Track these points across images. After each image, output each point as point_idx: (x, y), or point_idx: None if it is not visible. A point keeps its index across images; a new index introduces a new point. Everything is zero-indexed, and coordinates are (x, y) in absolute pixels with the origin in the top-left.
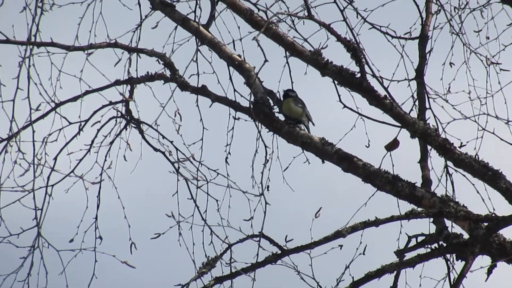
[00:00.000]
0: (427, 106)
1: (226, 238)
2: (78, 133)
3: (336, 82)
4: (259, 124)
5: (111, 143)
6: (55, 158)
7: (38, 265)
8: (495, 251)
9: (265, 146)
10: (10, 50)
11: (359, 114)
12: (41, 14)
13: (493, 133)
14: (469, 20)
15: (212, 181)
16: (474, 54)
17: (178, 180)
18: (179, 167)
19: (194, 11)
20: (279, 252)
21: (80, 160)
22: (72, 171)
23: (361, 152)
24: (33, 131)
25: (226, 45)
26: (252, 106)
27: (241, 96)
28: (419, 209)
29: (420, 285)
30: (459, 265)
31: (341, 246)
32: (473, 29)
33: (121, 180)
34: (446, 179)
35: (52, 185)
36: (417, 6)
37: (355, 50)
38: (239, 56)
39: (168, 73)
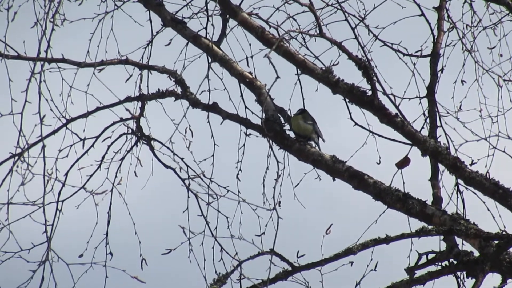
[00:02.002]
0: (438, 124)
1: (236, 255)
2: (89, 149)
3: (347, 100)
4: (270, 141)
5: (122, 159)
6: (66, 174)
7: (48, 280)
8: (506, 269)
9: (277, 162)
10: (22, 66)
11: (370, 131)
12: (52, 30)
13: (504, 151)
14: (481, 37)
15: (223, 198)
16: (485, 72)
17: (188, 196)
18: (189, 184)
19: (205, 28)
20: (290, 268)
21: (91, 176)
22: (83, 187)
23: (372, 170)
24: (44, 146)
25: (238, 62)
26: (263, 124)
27: (252, 113)
28: (430, 227)
29: None
30: (469, 282)
31: (351, 263)
32: (485, 46)
33: (132, 197)
34: (457, 197)
35: (63, 200)
36: (429, 23)
37: (366, 68)
38: (250, 73)
39: (179, 90)
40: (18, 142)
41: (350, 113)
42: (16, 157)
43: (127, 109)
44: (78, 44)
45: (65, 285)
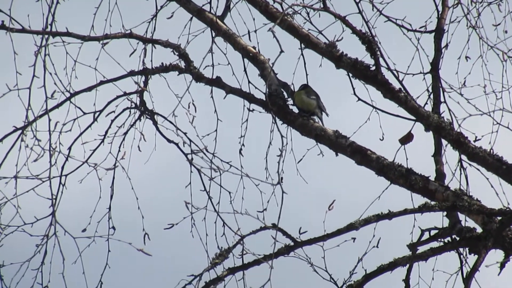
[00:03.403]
0: (442, 100)
1: (238, 230)
2: (92, 123)
3: (350, 75)
4: (274, 115)
5: (125, 133)
6: (70, 148)
7: (51, 254)
8: (508, 245)
9: (281, 136)
10: (26, 40)
11: (374, 107)
12: (57, 4)
13: (508, 127)
14: (485, 13)
15: (226, 173)
16: (490, 48)
17: (191, 171)
18: (192, 159)
19: (210, 2)
20: (292, 244)
21: (94, 150)
22: (86, 161)
23: (375, 146)
24: (49, 120)
25: (241, 37)
26: (267, 98)
27: (256, 88)
28: (433, 202)
29: (432, 278)
30: (472, 259)
31: (354, 238)
32: (490, 22)
33: (135, 171)
34: (460, 173)
35: (66, 175)
36: None
37: (370, 42)
38: (254, 48)
39: (183, 64)
40: (26, 117)
41: (353, 88)
42: (21, 130)
43: (134, 81)
44: (82, 19)
45: (69, 258)
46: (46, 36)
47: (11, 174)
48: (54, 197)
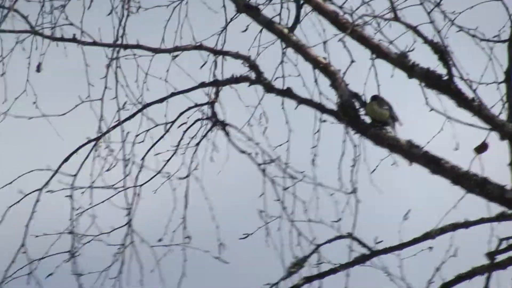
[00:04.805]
0: None
1: (314, 239)
2: (165, 134)
3: (423, 84)
4: (346, 126)
5: (198, 144)
6: (143, 158)
7: (128, 263)
8: None
9: (354, 146)
10: (98, 52)
11: (447, 116)
12: (128, 17)
13: None
14: None
15: (299, 183)
16: None
17: (264, 182)
18: (265, 169)
19: (279, 14)
20: (368, 253)
21: (167, 161)
22: (160, 171)
23: (449, 155)
24: (122, 131)
25: (312, 48)
26: (338, 108)
27: (327, 98)
28: (510, 211)
29: None
30: None
31: (430, 248)
32: None
33: (208, 182)
34: None
35: (141, 185)
36: (506, 8)
37: (442, 52)
38: (325, 58)
39: (253, 75)
40: (99, 128)
41: (426, 98)
42: (94, 142)
43: (207, 94)
44: (153, 31)
45: (145, 268)
46: (117, 48)
47: (86, 184)
48: (129, 206)
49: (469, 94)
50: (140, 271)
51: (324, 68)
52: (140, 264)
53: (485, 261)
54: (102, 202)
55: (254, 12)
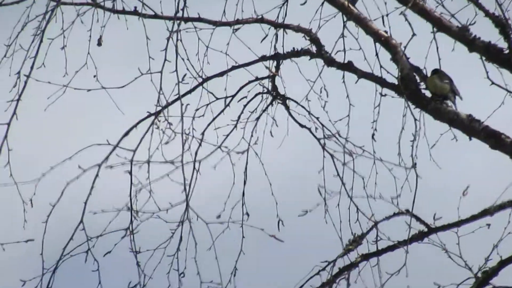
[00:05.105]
0: None
1: (372, 216)
2: (225, 108)
3: (483, 58)
4: (406, 100)
5: (257, 118)
6: (203, 133)
7: (187, 239)
8: None
9: (415, 119)
10: (158, 25)
11: (508, 91)
12: None
13: None
14: None
15: (358, 158)
16: None
17: (324, 157)
18: (325, 144)
19: None
20: (426, 230)
21: (227, 135)
22: (219, 146)
23: (510, 130)
24: (182, 105)
25: (373, 21)
26: (399, 82)
27: (388, 72)
28: None
29: None
30: None
31: (488, 225)
32: None
33: (267, 156)
34: None
35: (200, 160)
36: None
37: (504, 26)
38: (386, 32)
39: (314, 49)
40: (158, 101)
41: (487, 72)
42: (154, 116)
43: (267, 67)
44: (214, 4)
45: (203, 244)
46: (178, 21)
47: (144, 159)
48: (187, 182)
49: None
50: (195, 248)
51: (385, 41)
52: (195, 241)
53: None
54: (161, 178)
55: None
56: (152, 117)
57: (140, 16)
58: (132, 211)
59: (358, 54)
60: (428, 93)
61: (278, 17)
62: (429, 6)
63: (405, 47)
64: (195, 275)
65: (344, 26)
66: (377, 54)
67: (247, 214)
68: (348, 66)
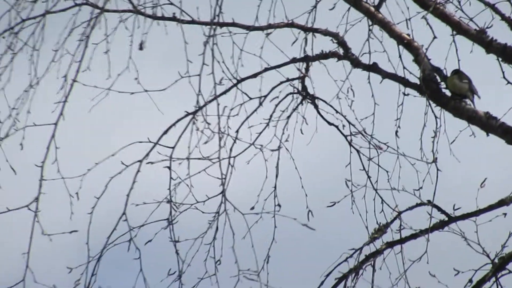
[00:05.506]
0: None
1: (396, 207)
2: (258, 107)
3: (500, 59)
4: (427, 99)
5: (288, 117)
6: (237, 131)
7: (222, 230)
8: None
9: (436, 117)
10: (196, 30)
11: None
12: None
13: None
14: None
15: (383, 153)
16: None
17: (350, 152)
18: (351, 140)
19: None
20: (446, 219)
21: (260, 133)
22: (253, 143)
23: None
24: (218, 105)
25: (396, 25)
26: (421, 82)
27: (410, 73)
28: None
29: None
30: None
31: (505, 214)
32: None
33: (298, 152)
34: None
35: (235, 156)
36: None
37: None
38: (408, 35)
39: (341, 51)
40: (197, 102)
41: (503, 72)
42: (192, 116)
43: (298, 69)
44: (247, 10)
45: (237, 234)
46: (214, 27)
47: (183, 156)
48: (224, 176)
49: None
50: (233, 237)
51: (407, 44)
52: (233, 231)
53: None
54: (199, 172)
55: None
56: (190, 116)
57: (178, 22)
58: (172, 203)
59: (383, 56)
60: (448, 92)
61: (307, 21)
62: (449, 11)
63: (426, 49)
64: (230, 263)
65: (369, 29)
66: (400, 56)
67: (279, 205)
68: (373, 68)
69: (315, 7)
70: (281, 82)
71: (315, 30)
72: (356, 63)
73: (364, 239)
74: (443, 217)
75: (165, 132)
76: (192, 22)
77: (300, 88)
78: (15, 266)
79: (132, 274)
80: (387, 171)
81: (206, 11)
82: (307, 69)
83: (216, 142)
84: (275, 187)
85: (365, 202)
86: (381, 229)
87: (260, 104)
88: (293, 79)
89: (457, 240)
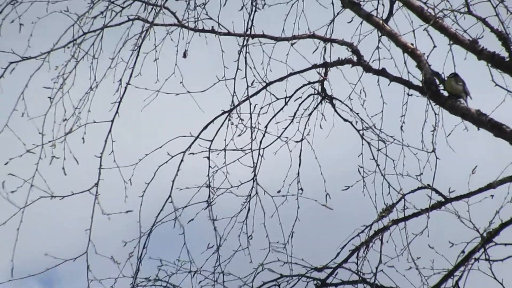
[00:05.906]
0: None
1: (400, 190)
2: (284, 106)
3: (489, 65)
4: (428, 99)
5: (310, 114)
6: (266, 126)
7: (253, 210)
8: None
9: (435, 114)
10: (231, 41)
11: (508, 91)
12: (255, 12)
13: None
14: None
15: (390, 144)
16: None
17: (362, 144)
18: (363, 134)
19: (376, 9)
20: (443, 200)
21: (285, 128)
22: (279, 137)
23: (510, 122)
24: (250, 104)
25: (402, 36)
26: (423, 85)
27: (413, 77)
28: None
29: None
30: None
31: (492, 196)
32: None
33: (317, 144)
34: None
35: (264, 148)
36: None
37: (505, 39)
38: (412, 44)
39: (355, 58)
40: (232, 102)
41: (491, 76)
42: (227, 113)
43: (318, 73)
44: (275, 23)
45: (266, 214)
46: (247, 38)
47: (220, 148)
48: (254, 165)
49: None
50: (264, 216)
51: (411, 52)
52: (264, 211)
53: None
54: (233, 162)
55: (356, 7)
56: (226, 114)
57: (216, 34)
58: (210, 188)
59: (390, 62)
60: (445, 93)
61: (326, 33)
62: (446, 24)
63: (427, 56)
64: (259, 238)
65: (379, 40)
66: (405, 62)
67: (301, 189)
68: (382, 72)
69: (333, 20)
70: (304, 85)
71: (333, 41)
72: (367, 68)
73: (373, 217)
74: (440, 198)
75: (205, 127)
76: (228, 34)
77: (319, 90)
78: (80, 241)
79: (177, 247)
80: (393, 160)
81: (240, 24)
82: (326, 74)
83: (248, 136)
84: (298, 173)
85: (374, 186)
86: (388, 209)
87: (286, 103)
88: (313, 82)
89: (452, 217)
